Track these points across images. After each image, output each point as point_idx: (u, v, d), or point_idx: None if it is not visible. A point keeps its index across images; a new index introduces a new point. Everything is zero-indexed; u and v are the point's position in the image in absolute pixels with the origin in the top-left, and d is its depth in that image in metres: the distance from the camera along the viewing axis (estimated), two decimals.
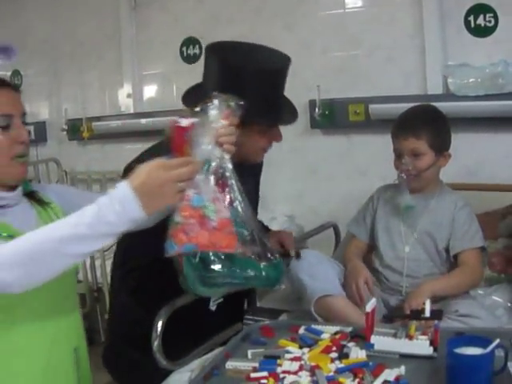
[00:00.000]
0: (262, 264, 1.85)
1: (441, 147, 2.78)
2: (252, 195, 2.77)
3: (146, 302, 2.37)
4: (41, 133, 5.68)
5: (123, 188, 1.70)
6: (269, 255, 1.86)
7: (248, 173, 2.67)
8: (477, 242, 2.76)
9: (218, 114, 1.81)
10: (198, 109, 1.82)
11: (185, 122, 1.81)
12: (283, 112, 2.56)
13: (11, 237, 1.80)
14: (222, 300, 2.54)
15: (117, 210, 1.68)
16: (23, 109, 2.01)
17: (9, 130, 1.93)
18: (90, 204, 1.73)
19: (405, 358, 1.98)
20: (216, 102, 1.81)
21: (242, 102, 1.88)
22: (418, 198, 2.81)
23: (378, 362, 1.93)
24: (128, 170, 1.96)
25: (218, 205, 1.80)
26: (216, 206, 1.79)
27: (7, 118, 1.93)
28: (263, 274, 1.86)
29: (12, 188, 2.00)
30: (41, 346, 1.98)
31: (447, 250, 2.78)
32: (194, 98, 2.30)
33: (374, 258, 2.94)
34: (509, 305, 2.35)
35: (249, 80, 2.37)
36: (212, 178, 1.81)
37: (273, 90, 2.48)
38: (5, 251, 1.70)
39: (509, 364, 1.76)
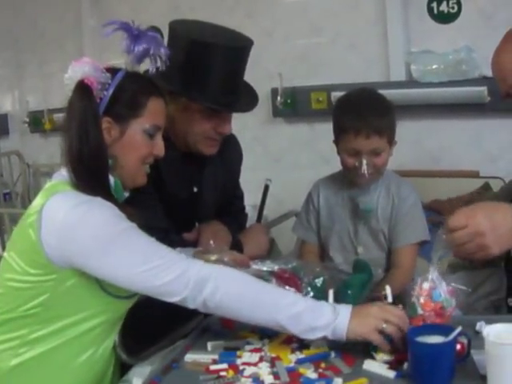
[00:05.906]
0: None
1: (394, 139, 2.52)
2: (220, 186, 2.72)
3: None
4: (3, 125, 5.69)
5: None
6: None
7: (216, 163, 2.62)
8: (416, 237, 2.57)
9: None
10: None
11: None
12: (232, 96, 2.43)
13: None
14: None
15: (333, 315, 1.81)
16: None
17: (152, 139, 2.04)
18: None
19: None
20: None
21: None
22: (365, 194, 2.59)
23: (342, 351, 1.89)
24: None
25: (451, 296, 1.91)
26: (451, 298, 1.90)
27: (156, 128, 2.05)
28: None
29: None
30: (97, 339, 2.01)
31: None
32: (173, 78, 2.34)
33: (325, 259, 2.71)
34: (470, 290, 2.31)
35: (214, 56, 2.34)
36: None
37: (232, 70, 2.41)
38: (237, 277, 1.89)
39: (472, 351, 1.75)
